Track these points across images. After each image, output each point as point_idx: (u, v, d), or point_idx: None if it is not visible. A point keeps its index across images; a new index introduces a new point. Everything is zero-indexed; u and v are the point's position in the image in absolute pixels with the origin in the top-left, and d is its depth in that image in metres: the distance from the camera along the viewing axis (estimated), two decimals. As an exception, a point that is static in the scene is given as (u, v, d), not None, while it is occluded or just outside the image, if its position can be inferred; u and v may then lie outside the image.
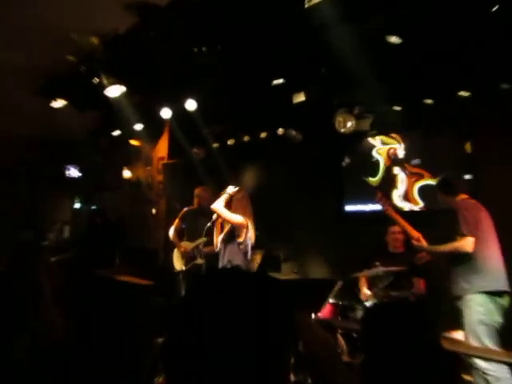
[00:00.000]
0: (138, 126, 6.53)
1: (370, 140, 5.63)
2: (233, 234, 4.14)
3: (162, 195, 7.24)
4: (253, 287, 1.08)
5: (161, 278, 5.66)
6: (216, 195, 4.73)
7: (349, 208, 5.75)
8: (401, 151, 5.37)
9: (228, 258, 4.16)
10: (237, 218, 4.03)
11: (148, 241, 7.16)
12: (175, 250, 5.33)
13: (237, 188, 4.18)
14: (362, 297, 4.55)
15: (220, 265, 4.22)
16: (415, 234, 3.91)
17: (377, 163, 5.53)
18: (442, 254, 3.65)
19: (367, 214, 5.53)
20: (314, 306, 4.00)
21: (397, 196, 5.28)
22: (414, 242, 3.86)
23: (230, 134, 6.49)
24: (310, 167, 5.95)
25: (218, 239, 4.28)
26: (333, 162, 5.85)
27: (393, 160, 5.43)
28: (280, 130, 6.01)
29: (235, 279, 1.08)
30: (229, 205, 4.11)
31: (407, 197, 5.17)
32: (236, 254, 4.13)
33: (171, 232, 5.38)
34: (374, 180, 5.55)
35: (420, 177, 5.15)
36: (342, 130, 5.40)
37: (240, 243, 4.13)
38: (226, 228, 4.19)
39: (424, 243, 3.83)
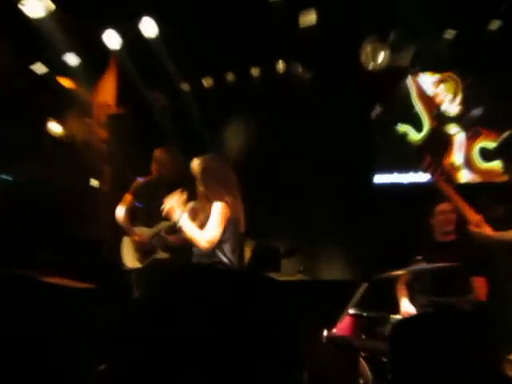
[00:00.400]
0: (72, 60, 6.43)
1: (411, 81, 5.62)
2: None
3: (107, 160, 7.22)
4: (237, 292, 1.10)
5: (105, 280, 5.70)
6: (182, 161, 4.72)
7: (380, 179, 5.78)
8: (455, 99, 5.37)
9: (205, 251, 4.18)
10: (214, 228, 4.04)
11: (87, 227, 7.16)
12: (126, 240, 5.35)
13: (203, 160, 4.23)
14: (399, 307, 4.61)
15: (194, 260, 4.25)
16: (474, 216, 3.94)
17: (420, 115, 5.55)
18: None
19: (406, 188, 5.58)
20: (326, 318, 4.08)
21: (450, 164, 5.31)
22: (473, 228, 3.91)
23: (207, 70, 6.45)
24: (323, 121, 5.95)
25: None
26: (357, 114, 5.85)
27: (442, 112, 5.44)
28: (280, 66, 5.98)
29: (213, 281, 1.09)
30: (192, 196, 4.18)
31: (466, 165, 5.20)
32: (216, 245, 4.17)
33: (120, 213, 5.39)
34: (416, 138, 5.57)
35: (483, 136, 5.18)
36: (371, 66, 5.39)
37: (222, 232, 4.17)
38: (207, 208, 4.22)
39: (487, 230, 3.88)
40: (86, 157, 7.50)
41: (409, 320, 2.11)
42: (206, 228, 4.04)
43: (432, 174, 4.08)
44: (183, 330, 1.02)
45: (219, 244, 4.17)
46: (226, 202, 4.13)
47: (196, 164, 4.32)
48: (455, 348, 1.56)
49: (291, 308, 1.17)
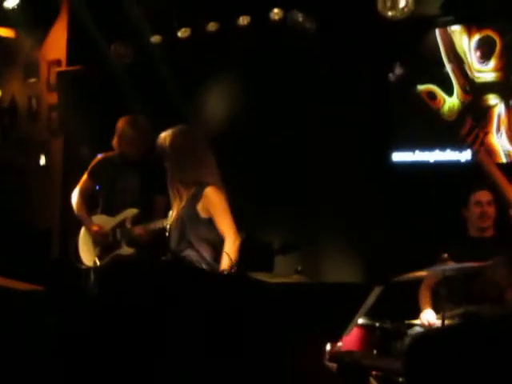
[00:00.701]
0: (10, 2, 6.44)
1: (440, 35, 5.64)
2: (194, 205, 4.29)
3: (57, 131, 7.23)
4: (213, 295, 1.16)
5: (56, 281, 5.74)
6: (151, 133, 4.78)
7: (399, 157, 5.83)
8: (493, 61, 5.39)
9: (184, 246, 4.29)
10: (228, 218, 4.30)
11: (33, 215, 7.18)
12: (82, 231, 5.42)
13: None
14: (423, 317, 4.68)
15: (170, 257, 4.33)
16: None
17: (451, 78, 5.57)
18: None
19: (431, 169, 5.61)
20: (330, 329, 4.15)
21: (490, 139, 5.34)
22: None
23: (184, 19, 6.45)
24: (328, 84, 5.98)
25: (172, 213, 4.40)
26: (371, 75, 5.89)
27: (477, 77, 5.46)
28: (275, 13, 5.99)
29: (181, 281, 1.16)
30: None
31: (509, 141, 5.21)
32: (200, 240, 4.27)
33: (75, 198, 5.44)
34: (446, 106, 5.59)
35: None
36: (390, 14, 5.41)
37: (205, 221, 4.27)
38: (184, 195, 4.30)
39: None
40: (29, 127, 7.50)
41: (430, 334, 2.18)
42: (223, 227, 4.21)
43: (472, 144, 4.04)
44: (148, 336, 1.08)
45: (199, 240, 4.29)
46: (215, 185, 4.27)
47: (164, 139, 4.36)
48: (487, 370, 1.61)
49: (282, 313, 1.24)
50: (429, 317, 4.69)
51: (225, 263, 4.11)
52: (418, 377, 1.67)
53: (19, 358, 1.63)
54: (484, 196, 4.65)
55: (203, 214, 4.26)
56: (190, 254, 4.26)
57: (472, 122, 4.05)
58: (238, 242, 4.19)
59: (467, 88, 5.51)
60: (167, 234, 4.44)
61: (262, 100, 6.31)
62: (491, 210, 4.70)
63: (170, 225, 4.40)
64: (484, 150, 4.06)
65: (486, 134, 4.95)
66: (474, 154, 4.02)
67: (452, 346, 1.66)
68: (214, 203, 4.26)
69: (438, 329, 2.69)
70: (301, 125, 6.10)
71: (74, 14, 6.88)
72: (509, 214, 4.07)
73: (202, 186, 4.27)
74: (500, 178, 4.06)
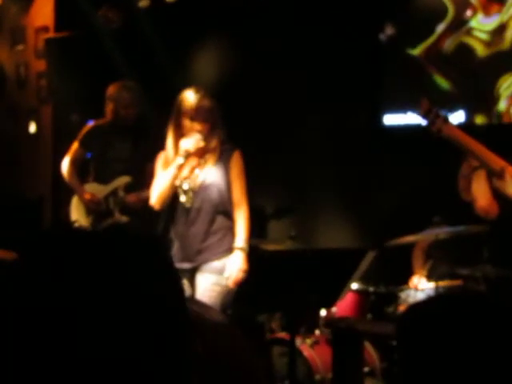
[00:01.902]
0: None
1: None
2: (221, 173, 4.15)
3: (46, 98, 7.19)
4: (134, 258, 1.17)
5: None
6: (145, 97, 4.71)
7: (390, 120, 5.81)
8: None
9: (220, 217, 4.16)
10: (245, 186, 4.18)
11: (23, 183, 7.16)
12: (74, 200, 5.39)
13: (197, 97, 4.15)
14: (412, 280, 4.71)
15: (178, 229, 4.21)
16: (498, 163, 3.94)
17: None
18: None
19: (424, 131, 5.60)
20: (324, 295, 4.16)
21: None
22: (496, 181, 3.91)
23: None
24: (318, 45, 5.94)
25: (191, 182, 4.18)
26: (362, 35, 5.85)
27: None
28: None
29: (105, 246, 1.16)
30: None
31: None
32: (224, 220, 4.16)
33: (65, 167, 5.41)
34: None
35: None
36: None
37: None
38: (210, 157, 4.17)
39: (511, 180, 3.88)
40: (18, 94, 7.44)
41: (419, 305, 2.20)
42: (241, 197, 4.13)
43: (429, 121, 3.95)
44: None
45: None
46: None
47: (205, 98, 4.15)
48: (475, 340, 1.62)
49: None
50: (417, 280, 4.73)
51: (245, 233, 4.10)
52: (409, 346, 1.69)
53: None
54: (466, 168, 4.64)
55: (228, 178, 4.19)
56: (226, 224, 4.18)
57: (426, 101, 3.97)
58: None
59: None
60: (184, 199, 4.14)
61: (253, 63, 6.26)
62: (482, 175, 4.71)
63: (190, 190, 4.15)
64: (447, 125, 3.94)
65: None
66: (433, 132, 3.92)
67: (441, 317, 1.68)
68: (241, 168, 4.21)
69: (425, 301, 2.68)
70: (292, 88, 6.05)
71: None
72: (492, 181, 4.02)
73: (231, 148, 4.22)
74: (476, 147, 3.98)
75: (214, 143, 4.16)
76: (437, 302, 1.80)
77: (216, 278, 4.02)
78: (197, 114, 4.07)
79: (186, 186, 4.12)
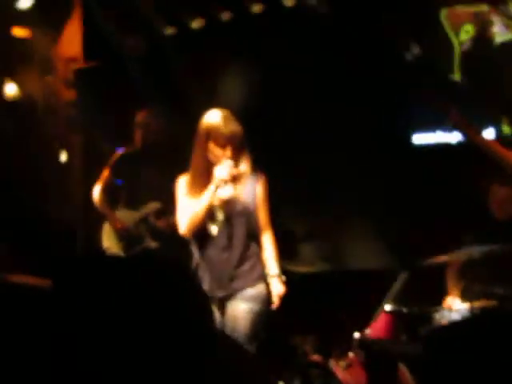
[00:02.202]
0: (24, 1, 6.44)
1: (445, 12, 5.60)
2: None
3: (76, 127, 7.25)
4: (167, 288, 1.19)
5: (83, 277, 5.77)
6: (172, 124, 4.73)
7: (420, 139, 5.78)
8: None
9: (249, 241, 4.07)
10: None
11: (56, 212, 7.20)
12: (106, 227, 5.43)
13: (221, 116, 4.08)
14: (446, 301, 4.66)
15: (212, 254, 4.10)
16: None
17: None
18: None
19: (454, 150, 5.58)
20: (357, 316, 4.14)
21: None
22: None
23: (196, 8, 6.43)
24: (344, 66, 5.95)
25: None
26: (388, 55, 5.84)
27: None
28: (289, -1, 5.98)
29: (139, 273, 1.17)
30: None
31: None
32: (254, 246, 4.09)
33: (96, 194, 5.45)
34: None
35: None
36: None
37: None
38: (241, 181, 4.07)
39: None
40: (49, 124, 7.51)
41: (447, 328, 2.18)
42: (266, 219, 4.08)
43: (462, 129, 3.98)
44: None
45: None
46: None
47: (235, 123, 4.05)
48: (504, 361, 1.60)
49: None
50: (451, 300, 4.68)
51: (277, 259, 4.06)
52: (436, 368, 1.66)
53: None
54: (501, 192, 4.62)
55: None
56: (257, 251, 4.09)
57: (455, 111, 3.99)
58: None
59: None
60: (216, 226, 4.05)
61: (277, 88, 6.28)
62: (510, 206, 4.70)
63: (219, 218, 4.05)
64: (474, 129, 3.99)
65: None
66: (468, 139, 3.95)
67: (469, 340, 1.66)
68: (266, 193, 4.13)
69: (454, 324, 2.66)
70: (319, 110, 6.05)
71: (87, 9, 6.86)
72: None
73: (257, 173, 4.13)
74: (500, 151, 4.00)
75: (244, 169, 4.07)
76: (463, 323, 1.78)
77: (250, 305, 3.93)
78: (229, 140, 3.96)
79: (219, 214, 4.01)
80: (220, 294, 3.97)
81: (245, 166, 4.08)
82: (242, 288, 3.96)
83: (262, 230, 4.08)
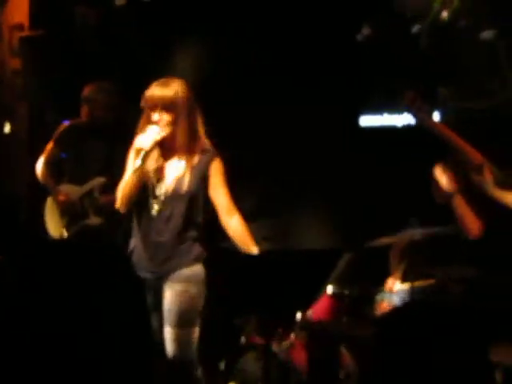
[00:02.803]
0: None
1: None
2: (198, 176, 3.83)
3: (21, 97, 7.13)
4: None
5: (22, 251, 5.69)
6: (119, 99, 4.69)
7: (367, 121, 5.81)
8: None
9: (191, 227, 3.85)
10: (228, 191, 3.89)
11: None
12: (49, 201, 5.36)
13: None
14: (387, 282, 4.72)
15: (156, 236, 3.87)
16: (478, 158, 3.94)
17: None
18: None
19: (400, 132, 5.61)
20: (299, 298, 4.15)
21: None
22: (474, 176, 3.90)
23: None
24: (295, 44, 5.94)
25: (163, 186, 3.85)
26: (338, 35, 5.85)
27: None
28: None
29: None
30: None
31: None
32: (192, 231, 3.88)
33: (40, 167, 5.38)
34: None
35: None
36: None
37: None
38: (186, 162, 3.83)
39: (489, 177, 3.85)
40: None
41: (392, 314, 2.22)
42: (226, 197, 3.89)
43: (415, 112, 3.99)
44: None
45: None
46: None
47: (167, 86, 3.77)
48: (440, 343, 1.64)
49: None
50: (393, 284, 4.73)
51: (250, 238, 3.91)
52: (386, 355, 1.69)
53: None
54: (443, 168, 4.65)
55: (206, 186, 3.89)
56: (194, 235, 3.88)
57: (412, 93, 3.98)
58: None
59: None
60: (155, 207, 3.85)
61: (232, 63, 6.25)
62: (451, 177, 4.74)
63: (160, 197, 3.86)
64: (431, 119, 3.98)
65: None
66: (420, 122, 3.95)
67: (411, 325, 1.69)
68: (223, 176, 3.90)
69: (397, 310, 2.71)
70: (271, 89, 6.04)
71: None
72: (471, 176, 4.02)
73: (211, 153, 3.90)
74: (458, 140, 4.01)
75: (180, 138, 3.80)
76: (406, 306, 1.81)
77: (185, 286, 3.76)
78: (154, 102, 3.73)
79: (158, 192, 3.82)
80: (155, 274, 3.80)
81: (182, 135, 3.80)
82: (177, 269, 3.80)
83: (226, 215, 3.90)
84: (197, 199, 3.85)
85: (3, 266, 3.47)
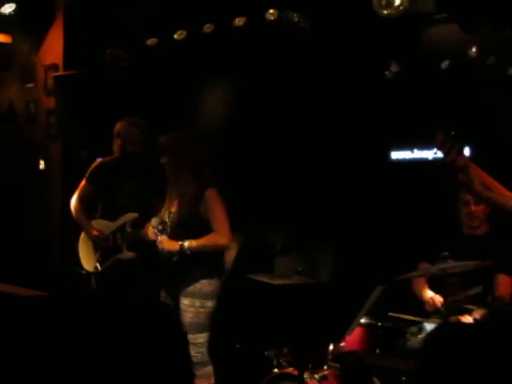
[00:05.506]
0: (6, 8, 6.47)
1: (436, 31, 5.65)
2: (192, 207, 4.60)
3: (56, 135, 7.23)
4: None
5: (57, 286, 5.73)
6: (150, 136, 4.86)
7: (398, 155, 5.84)
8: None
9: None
10: (223, 219, 4.67)
11: (31, 220, 7.17)
12: (82, 236, 5.43)
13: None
14: (428, 308, 4.73)
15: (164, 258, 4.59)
16: (507, 194, 3.91)
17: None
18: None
19: (431, 166, 5.61)
20: (332, 329, 4.16)
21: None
22: (461, 176, 3.71)
23: (180, 21, 6.44)
24: (324, 83, 6.00)
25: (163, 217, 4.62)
26: (368, 74, 5.90)
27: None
28: (271, 13, 5.99)
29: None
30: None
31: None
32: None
33: (74, 203, 5.44)
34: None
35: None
36: (385, 12, 5.40)
37: (204, 221, 4.55)
38: (184, 195, 4.62)
39: (474, 176, 3.69)
40: (27, 131, 7.48)
41: (440, 330, 2.20)
42: (217, 225, 4.56)
43: (446, 153, 3.94)
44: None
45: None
46: (215, 188, 4.57)
47: (167, 140, 4.56)
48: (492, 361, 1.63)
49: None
50: (432, 295, 4.73)
51: (203, 241, 4.54)
52: (431, 372, 1.69)
53: (22, 364, 1.65)
54: (470, 196, 4.66)
55: (203, 214, 4.56)
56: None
57: (443, 134, 3.94)
58: (226, 240, 4.58)
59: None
60: (159, 233, 4.70)
61: (260, 101, 6.31)
62: (479, 209, 4.75)
63: (166, 224, 4.70)
64: (463, 159, 3.88)
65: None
66: (449, 163, 3.87)
67: (462, 340, 1.68)
68: (214, 204, 4.56)
69: (453, 325, 2.68)
70: (299, 125, 6.09)
71: (70, 18, 6.86)
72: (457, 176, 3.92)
73: (202, 188, 4.56)
74: (486, 178, 3.91)
75: (182, 189, 4.68)
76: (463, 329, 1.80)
77: (192, 300, 4.60)
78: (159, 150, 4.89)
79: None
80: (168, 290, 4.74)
81: (184, 185, 4.64)
82: (186, 285, 4.59)
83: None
84: (194, 229, 4.61)
85: (46, 301, 3.46)
